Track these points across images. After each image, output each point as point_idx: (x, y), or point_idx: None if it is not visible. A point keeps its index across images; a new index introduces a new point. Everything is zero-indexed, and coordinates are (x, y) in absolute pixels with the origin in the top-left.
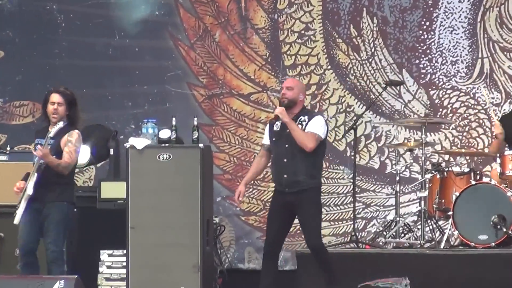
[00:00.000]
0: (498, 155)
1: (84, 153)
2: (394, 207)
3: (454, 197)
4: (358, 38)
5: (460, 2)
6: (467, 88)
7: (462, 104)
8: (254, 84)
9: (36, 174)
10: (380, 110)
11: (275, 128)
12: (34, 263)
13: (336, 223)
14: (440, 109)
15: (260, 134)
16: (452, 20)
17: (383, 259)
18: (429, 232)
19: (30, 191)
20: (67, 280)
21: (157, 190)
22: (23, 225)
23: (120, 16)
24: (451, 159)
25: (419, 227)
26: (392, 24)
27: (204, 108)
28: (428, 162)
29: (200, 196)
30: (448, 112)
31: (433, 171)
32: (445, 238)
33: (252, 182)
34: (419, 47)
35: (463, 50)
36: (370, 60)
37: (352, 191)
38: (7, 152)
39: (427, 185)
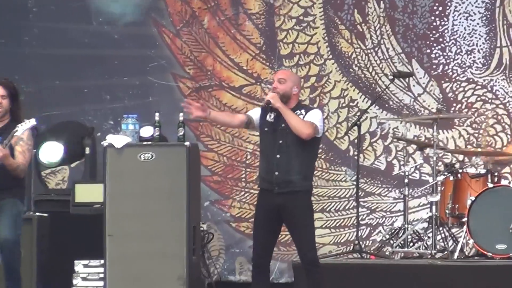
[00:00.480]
0: None
1: (56, 151)
2: (402, 212)
3: (469, 202)
4: (363, 24)
5: None
6: (484, 80)
7: (479, 98)
8: (246, 76)
9: None
10: (386, 105)
11: (268, 118)
12: None
13: (338, 230)
14: (454, 104)
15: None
16: (468, 4)
17: (389, 271)
18: (441, 240)
19: None
20: None
21: (138, 193)
22: None
23: (98, 0)
24: (466, 159)
25: (430, 235)
26: (400, 9)
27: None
28: (440, 163)
29: (186, 200)
30: (463, 107)
31: (446, 173)
32: (459, 247)
33: (244, 184)
34: (431, 35)
35: (479, 38)
36: (376, 49)
37: (355, 195)
38: None
39: (439, 189)
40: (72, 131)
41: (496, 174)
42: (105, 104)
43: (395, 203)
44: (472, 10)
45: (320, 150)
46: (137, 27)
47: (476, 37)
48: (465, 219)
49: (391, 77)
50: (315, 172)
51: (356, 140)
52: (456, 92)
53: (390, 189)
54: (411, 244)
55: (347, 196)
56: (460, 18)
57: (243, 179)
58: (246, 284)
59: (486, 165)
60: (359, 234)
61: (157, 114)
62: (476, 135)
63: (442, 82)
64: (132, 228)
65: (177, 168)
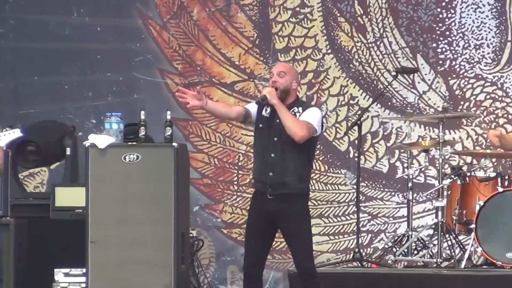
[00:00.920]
0: None
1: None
2: (406, 218)
3: (477, 207)
4: (364, 16)
5: None
6: (494, 77)
7: (488, 96)
8: (239, 71)
9: None
10: (389, 103)
11: (264, 113)
12: None
13: (337, 237)
14: (461, 102)
15: (245, 130)
16: None
17: (392, 280)
18: (447, 248)
19: None
20: None
21: (122, 197)
22: None
23: None
24: (474, 161)
25: (436, 242)
26: (404, 0)
27: (179, 99)
28: (446, 165)
29: (174, 205)
30: (471, 105)
31: (453, 176)
32: (466, 256)
33: (236, 188)
34: (437, 28)
35: (489, 32)
36: (378, 43)
37: (355, 200)
38: None
39: (445, 193)
40: (51, 130)
41: (506, 177)
42: (87, 101)
43: (398, 208)
44: (481, 1)
45: (318, 152)
46: (121, 19)
47: (485, 31)
48: (473, 226)
49: (394, 73)
50: (313, 175)
51: (356, 141)
52: (464, 89)
53: (393, 193)
54: (415, 252)
55: (346, 200)
56: (468, 10)
57: (235, 182)
58: None
59: (495, 168)
60: (360, 241)
61: (142, 112)
62: (485, 135)
63: (449, 78)
64: (116, 234)
65: (164, 170)
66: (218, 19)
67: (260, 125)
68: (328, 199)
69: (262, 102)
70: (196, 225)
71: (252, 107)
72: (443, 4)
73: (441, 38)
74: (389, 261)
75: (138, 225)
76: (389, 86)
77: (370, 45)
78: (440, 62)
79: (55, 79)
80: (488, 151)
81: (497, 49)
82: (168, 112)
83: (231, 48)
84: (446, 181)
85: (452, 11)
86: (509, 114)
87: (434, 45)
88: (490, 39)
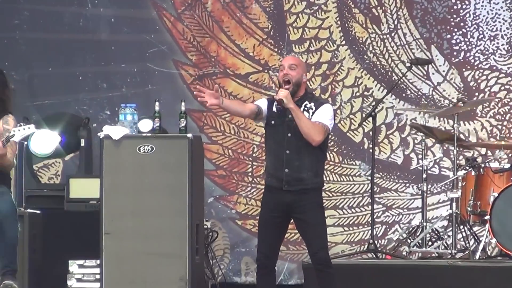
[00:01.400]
0: None
1: (50, 141)
2: (420, 210)
3: (492, 199)
4: (379, 8)
5: None
6: (508, 68)
7: (502, 87)
8: (253, 62)
9: None
10: (404, 94)
11: (274, 109)
12: None
13: (351, 228)
14: (476, 93)
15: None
16: None
17: (406, 271)
18: (461, 240)
19: None
20: None
21: (137, 188)
22: None
23: None
24: (489, 153)
25: (450, 234)
26: None
27: (193, 90)
28: (461, 157)
29: (188, 196)
30: (486, 96)
31: (467, 168)
32: (480, 247)
33: (250, 179)
34: (451, 19)
35: (503, 23)
36: (392, 34)
37: (370, 191)
38: None
39: (459, 184)
40: (66, 121)
41: None
42: (102, 92)
43: (412, 200)
44: None
45: (332, 143)
46: (135, 10)
47: (500, 22)
48: (487, 217)
49: (408, 64)
50: (327, 166)
51: (371, 132)
52: (479, 81)
53: (407, 184)
54: (430, 243)
55: (361, 192)
56: (483, 1)
57: (250, 174)
58: (252, 285)
59: (510, 159)
60: (374, 232)
61: (157, 103)
62: (499, 127)
63: (463, 70)
64: (131, 226)
65: (178, 162)
66: (232, 10)
67: (272, 122)
68: (342, 190)
69: (278, 106)
70: (211, 217)
71: (263, 103)
72: None
73: (456, 29)
74: (404, 253)
75: (152, 216)
76: (403, 78)
77: (384, 36)
78: (455, 53)
79: (69, 71)
80: (503, 142)
81: None
82: (183, 104)
83: (245, 39)
84: (461, 173)
85: (467, 2)
86: None
87: (449, 36)
88: (504, 30)
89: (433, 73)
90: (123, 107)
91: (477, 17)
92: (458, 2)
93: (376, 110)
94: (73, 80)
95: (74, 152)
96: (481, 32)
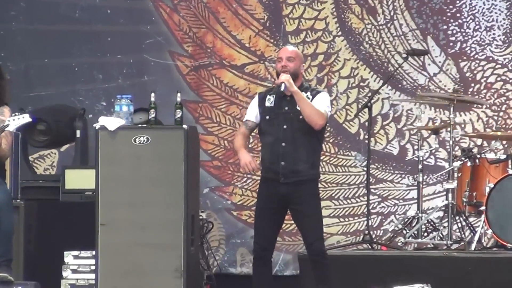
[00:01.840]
0: None
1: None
2: (416, 201)
3: (487, 189)
4: None
5: None
6: (505, 59)
7: (499, 78)
8: (249, 53)
9: None
10: (400, 85)
11: (267, 104)
12: None
13: (347, 219)
14: (472, 84)
15: None
16: None
17: (402, 263)
18: (457, 231)
19: None
20: (25, 287)
21: (132, 179)
22: None
23: None
24: (485, 143)
25: (446, 225)
26: None
27: (189, 81)
28: (457, 147)
29: (184, 187)
30: (482, 87)
31: (463, 158)
32: (476, 238)
33: None
34: (448, 10)
35: (500, 14)
36: (388, 25)
37: (365, 182)
38: None
39: (455, 175)
40: (61, 112)
41: None
42: (97, 83)
43: (408, 191)
44: None
45: (328, 134)
46: (131, 1)
47: (496, 13)
48: (483, 208)
49: (404, 55)
50: (323, 157)
51: (366, 123)
52: (475, 72)
53: (403, 175)
54: (425, 234)
55: (357, 182)
56: None
57: None
58: (247, 276)
59: (506, 150)
60: (370, 223)
61: (153, 94)
62: (495, 117)
63: (460, 60)
64: (126, 216)
65: (174, 153)
66: (228, 1)
67: (267, 117)
68: (338, 181)
69: (280, 90)
70: (206, 208)
71: (251, 114)
72: None
73: (452, 20)
74: (399, 243)
75: (147, 207)
76: (399, 68)
77: (380, 27)
78: (451, 44)
79: (65, 61)
80: (499, 133)
81: (508, 31)
82: (179, 94)
83: (241, 30)
84: (457, 163)
85: None
86: None
87: (445, 27)
88: (501, 21)
89: (429, 64)
90: (119, 98)
91: (473, 8)
92: None
93: (372, 101)
94: (69, 71)
95: (69, 143)
96: (477, 23)
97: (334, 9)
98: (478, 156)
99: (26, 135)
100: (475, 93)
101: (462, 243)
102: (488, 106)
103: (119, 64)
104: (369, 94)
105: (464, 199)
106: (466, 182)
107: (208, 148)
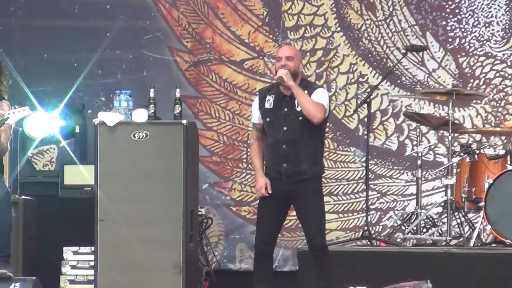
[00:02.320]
0: None
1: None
2: (415, 196)
3: (486, 185)
4: None
5: None
6: (503, 55)
7: (497, 74)
8: (248, 49)
9: None
10: (399, 81)
11: (267, 106)
12: None
13: (346, 215)
14: (471, 80)
15: None
16: None
17: (401, 258)
18: (456, 226)
19: None
20: (24, 283)
21: (131, 175)
22: None
23: None
24: (484, 139)
25: (445, 220)
26: None
27: (188, 77)
28: (456, 143)
29: (183, 182)
30: (481, 83)
31: (462, 154)
32: (475, 234)
33: (245, 166)
34: (447, 6)
35: (499, 10)
36: (387, 21)
37: (364, 177)
38: None
39: (454, 171)
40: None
41: None
42: (97, 79)
43: (407, 186)
44: None
45: (327, 129)
46: None
47: (495, 8)
48: (482, 204)
49: (403, 51)
50: None
51: (366, 119)
52: (474, 67)
53: (402, 171)
54: (424, 230)
55: (356, 178)
56: None
57: (244, 160)
58: (246, 272)
59: (505, 146)
60: (369, 219)
61: (152, 90)
62: (494, 113)
63: (459, 56)
64: (125, 212)
65: (173, 148)
66: None
67: (268, 119)
68: (337, 177)
69: (278, 84)
70: (205, 203)
71: (256, 115)
72: None
73: (451, 16)
74: (398, 239)
75: (147, 203)
76: (398, 64)
77: (379, 23)
78: (450, 40)
79: (64, 57)
80: (498, 129)
81: (507, 26)
82: (178, 90)
83: (240, 26)
84: (455, 159)
85: None
86: None
87: (444, 23)
88: (500, 17)
89: (428, 60)
90: (118, 93)
91: (472, 4)
92: None
93: (371, 97)
94: (68, 66)
95: (68, 139)
96: (476, 19)
97: (333, 5)
98: (477, 151)
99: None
100: (474, 89)
101: (461, 239)
102: (487, 102)
103: (118, 60)
104: (368, 90)
105: (463, 195)
106: (465, 178)
107: (207, 144)
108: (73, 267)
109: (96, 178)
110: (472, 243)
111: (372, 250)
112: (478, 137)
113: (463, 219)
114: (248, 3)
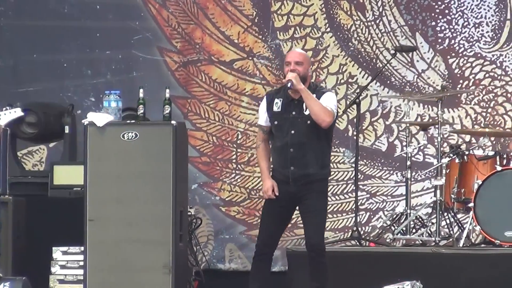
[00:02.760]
0: None
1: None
2: (404, 197)
3: (475, 186)
4: None
5: None
6: (493, 55)
7: (487, 75)
8: (238, 50)
9: None
10: (388, 81)
11: (275, 108)
12: None
13: (335, 215)
14: (460, 81)
15: (244, 109)
16: None
17: (390, 259)
18: (445, 227)
19: None
20: (13, 282)
21: (121, 175)
22: None
23: None
24: (473, 140)
25: (434, 221)
26: None
27: (178, 77)
28: (445, 144)
29: (172, 182)
30: (470, 84)
31: (451, 155)
32: (464, 234)
33: (234, 166)
34: (436, 6)
35: (488, 10)
36: (377, 21)
37: (354, 178)
38: None
39: (443, 172)
40: (50, 106)
41: (505, 156)
42: (86, 79)
43: (396, 187)
44: None
45: None
46: None
47: (484, 9)
48: (471, 204)
49: (393, 51)
50: None
51: (355, 119)
52: (463, 68)
53: (391, 171)
54: (414, 230)
55: (345, 179)
56: None
57: (234, 160)
58: (236, 272)
59: (494, 147)
60: (358, 219)
61: (141, 90)
62: (484, 114)
63: (448, 57)
64: (115, 212)
65: (162, 149)
66: None
67: (276, 122)
68: None
69: (287, 88)
70: (195, 203)
71: (263, 117)
72: None
73: (440, 17)
74: (388, 240)
75: (136, 203)
76: (388, 65)
77: (369, 23)
78: (439, 40)
79: (54, 57)
80: (487, 129)
81: (496, 27)
82: (167, 90)
83: (230, 26)
84: (445, 160)
85: None
86: (508, 93)
87: (433, 23)
88: (489, 18)
89: (417, 60)
90: (107, 94)
91: (462, 4)
92: None
93: (361, 97)
94: (58, 67)
95: (58, 139)
96: (465, 19)
97: (322, 5)
98: (467, 152)
99: (14, 128)
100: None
101: (451, 239)
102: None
103: (108, 60)
104: (358, 91)
105: (453, 196)
106: (454, 178)
107: (197, 144)
108: (62, 267)
109: (85, 178)
110: (461, 243)
111: (361, 251)
112: (467, 138)
113: (452, 219)
114: (238, 3)
